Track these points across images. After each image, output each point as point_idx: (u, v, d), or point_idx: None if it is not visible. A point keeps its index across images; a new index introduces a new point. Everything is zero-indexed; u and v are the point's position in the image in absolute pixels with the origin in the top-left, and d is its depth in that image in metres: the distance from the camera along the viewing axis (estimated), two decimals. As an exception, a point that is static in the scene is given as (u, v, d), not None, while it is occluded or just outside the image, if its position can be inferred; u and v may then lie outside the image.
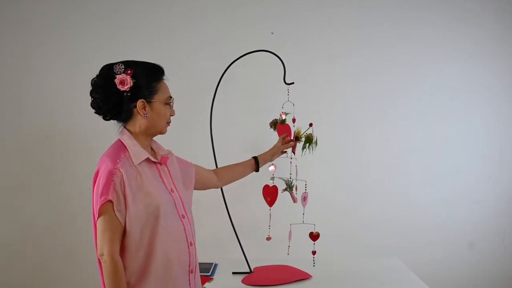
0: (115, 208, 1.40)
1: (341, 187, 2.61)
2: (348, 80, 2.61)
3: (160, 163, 1.56)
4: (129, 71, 1.44)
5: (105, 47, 2.54)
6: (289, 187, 1.90)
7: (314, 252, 1.93)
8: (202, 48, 2.55)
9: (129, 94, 1.45)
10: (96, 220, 1.42)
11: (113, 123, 1.54)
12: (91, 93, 1.49)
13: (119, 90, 1.45)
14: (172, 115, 1.57)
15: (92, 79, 1.49)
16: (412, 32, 2.64)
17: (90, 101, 1.49)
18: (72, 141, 2.57)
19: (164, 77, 1.53)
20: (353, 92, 2.62)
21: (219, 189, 1.94)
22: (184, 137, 2.45)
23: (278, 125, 1.90)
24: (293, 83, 1.85)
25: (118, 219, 1.41)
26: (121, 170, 1.41)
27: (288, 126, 1.90)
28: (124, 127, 1.53)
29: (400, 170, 2.65)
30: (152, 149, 1.60)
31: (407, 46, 2.65)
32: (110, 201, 1.39)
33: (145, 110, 1.48)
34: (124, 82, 1.43)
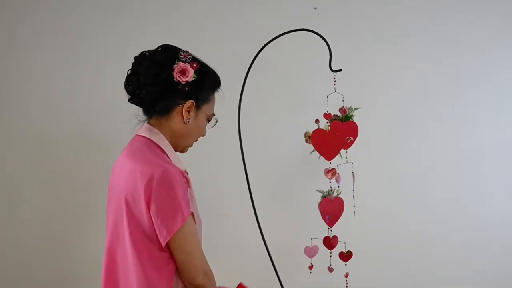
0: (196, 221, 1.34)
1: (397, 201, 2.38)
2: (408, 65, 2.42)
3: (187, 180, 1.43)
4: (195, 65, 1.39)
5: (108, 23, 2.26)
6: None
7: (346, 275, 1.83)
8: (228, 26, 2.36)
9: (186, 88, 1.37)
10: (166, 241, 1.28)
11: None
12: (137, 66, 1.38)
13: (171, 77, 1.36)
14: (202, 135, 1.51)
15: (146, 51, 1.40)
16: (493, 4, 2.38)
17: (129, 72, 1.40)
18: (75, 142, 2.26)
19: (219, 91, 1.50)
20: (414, 80, 2.42)
21: (248, 193, 1.80)
22: (204, 139, 2.21)
23: (333, 123, 1.75)
24: (340, 70, 1.75)
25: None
26: (186, 176, 1.35)
27: (355, 125, 1.73)
28: (148, 123, 1.41)
29: (473, 179, 2.41)
30: None
31: (485, 22, 2.39)
32: (192, 213, 1.32)
33: (188, 114, 1.40)
34: (186, 73, 1.37)
